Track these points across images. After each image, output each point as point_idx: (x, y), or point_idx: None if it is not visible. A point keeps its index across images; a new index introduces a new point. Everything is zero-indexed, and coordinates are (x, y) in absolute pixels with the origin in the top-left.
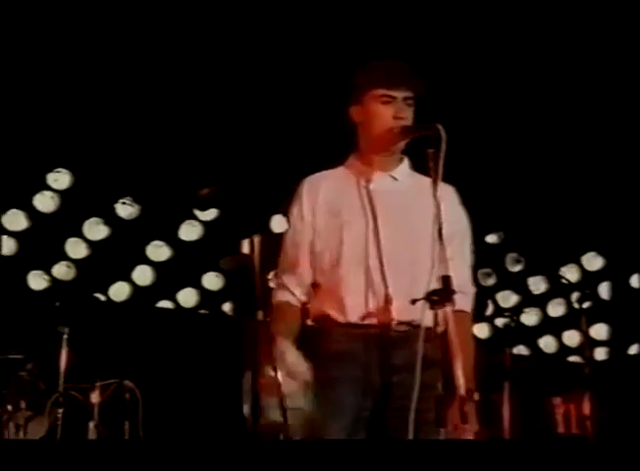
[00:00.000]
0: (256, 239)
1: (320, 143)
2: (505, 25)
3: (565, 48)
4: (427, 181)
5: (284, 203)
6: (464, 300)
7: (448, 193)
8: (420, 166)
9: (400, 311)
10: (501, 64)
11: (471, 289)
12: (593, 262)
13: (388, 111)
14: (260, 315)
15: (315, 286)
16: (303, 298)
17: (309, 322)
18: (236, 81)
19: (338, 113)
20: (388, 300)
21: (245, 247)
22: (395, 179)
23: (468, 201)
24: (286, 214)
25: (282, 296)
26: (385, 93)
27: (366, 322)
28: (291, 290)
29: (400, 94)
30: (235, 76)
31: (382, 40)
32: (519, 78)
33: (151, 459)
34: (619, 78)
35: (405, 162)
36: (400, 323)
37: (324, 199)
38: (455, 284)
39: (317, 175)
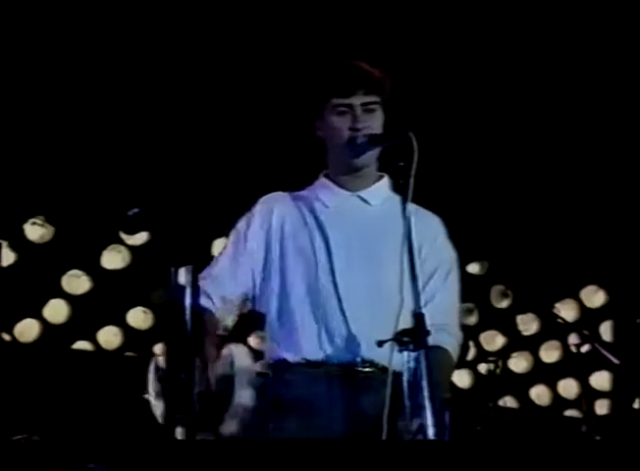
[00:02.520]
0: (195, 268)
1: (275, 159)
2: (490, 32)
3: (550, 60)
4: (409, 204)
5: (228, 225)
6: (447, 340)
7: (432, 224)
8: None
9: (365, 351)
10: (486, 77)
11: (458, 334)
12: (594, 297)
13: (344, 122)
14: (196, 358)
15: (269, 323)
16: (225, 322)
17: (264, 370)
18: (173, 90)
19: (303, 129)
20: (350, 339)
21: (182, 278)
22: (364, 201)
23: (447, 225)
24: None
25: (203, 302)
26: (339, 103)
27: (322, 363)
28: (211, 298)
29: (357, 101)
30: (172, 84)
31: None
32: (508, 90)
33: None
34: (612, 92)
35: (384, 181)
36: (366, 363)
37: (277, 222)
38: (439, 324)
39: (274, 194)
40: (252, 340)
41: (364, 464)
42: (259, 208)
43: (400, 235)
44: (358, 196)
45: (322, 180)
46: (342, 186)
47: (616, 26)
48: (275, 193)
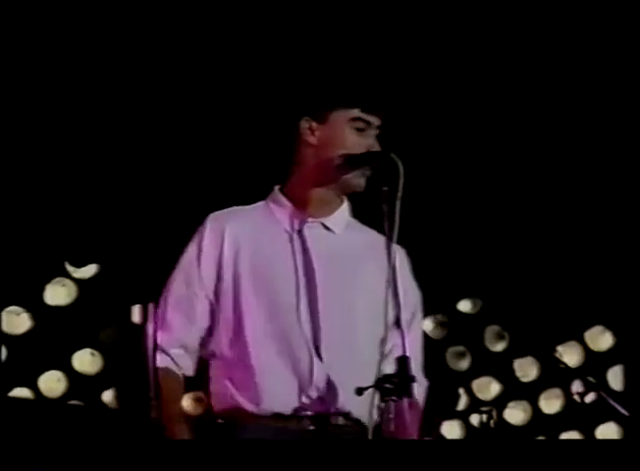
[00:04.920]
0: (151, 305)
1: (238, 179)
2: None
3: (540, 75)
4: (371, 234)
5: None
6: (416, 388)
7: (396, 256)
8: (370, 210)
9: (341, 401)
10: (472, 96)
11: (424, 382)
12: (600, 340)
13: (362, 141)
14: (154, 407)
15: (218, 364)
16: (189, 372)
17: (217, 419)
18: (121, 112)
19: (275, 125)
20: (326, 387)
21: (136, 315)
22: (328, 228)
23: (435, 258)
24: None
25: (160, 362)
26: (361, 117)
27: (290, 414)
28: (169, 354)
29: (376, 121)
30: (121, 105)
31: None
32: (498, 113)
33: None
34: (609, 109)
35: (345, 206)
36: (341, 416)
37: (230, 247)
38: None
39: (227, 210)
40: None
41: (363, 464)
42: (209, 229)
43: (368, 265)
44: (322, 224)
45: (280, 198)
46: (303, 210)
47: (616, 27)
48: (226, 210)
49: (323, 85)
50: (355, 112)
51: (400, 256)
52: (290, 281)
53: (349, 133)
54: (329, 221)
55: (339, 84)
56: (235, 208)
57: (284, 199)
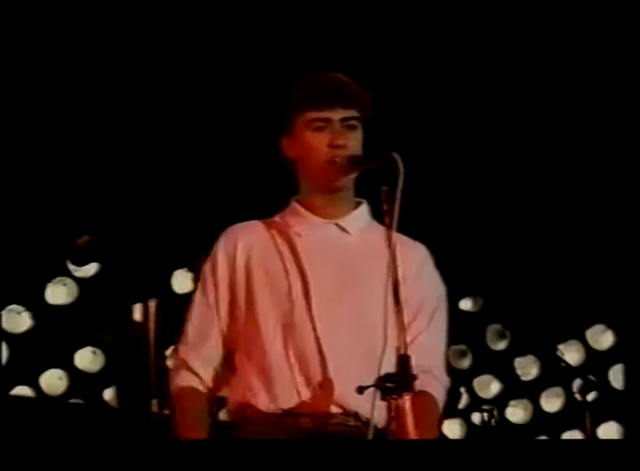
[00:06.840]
0: (152, 304)
1: (239, 182)
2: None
3: (540, 74)
4: (394, 234)
5: (188, 255)
6: (433, 384)
7: (417, 253)
8: (375, 211)
9: (342, 399)
10: (476, 93)
11: (445, 379)
12: (601, 338)
13: (322, 139)
14: (155, 405)
15: (230, 368)
16: (211, 384)
17: (225, 417)
18: (121, 110)
19: (270, 147)
20: (326, 385)
21: (137, 314)
22: (343, 229)
23: (435, 257)
24: (193, 270)
25: (184, 380)
26: (316, 117)
27: (297, 412)
28: (196, 372)
29: (336, 115)
30: (119, 105)
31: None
32: (499, 109)
33: None
34: (609, 107)
35: (363, 208)
36: (342, 414)
37: (243, 252)
38: (424, 366)
39: (240, 224)
40: None
41: (363, 464)
42: (222, 243)
43: (382, 266)
44: (336, 225)
45: (294, 205)
46: (317, 214)
47: (616, 27)
48: (240, 223)
49: (277, 101)
50: (309, 114)
51: (420, 254)
52: (297, 279)
53: (310, 135)
54: (343, 222)
55: (285, 95)
56: (249, 221)
57: (298, 207)
